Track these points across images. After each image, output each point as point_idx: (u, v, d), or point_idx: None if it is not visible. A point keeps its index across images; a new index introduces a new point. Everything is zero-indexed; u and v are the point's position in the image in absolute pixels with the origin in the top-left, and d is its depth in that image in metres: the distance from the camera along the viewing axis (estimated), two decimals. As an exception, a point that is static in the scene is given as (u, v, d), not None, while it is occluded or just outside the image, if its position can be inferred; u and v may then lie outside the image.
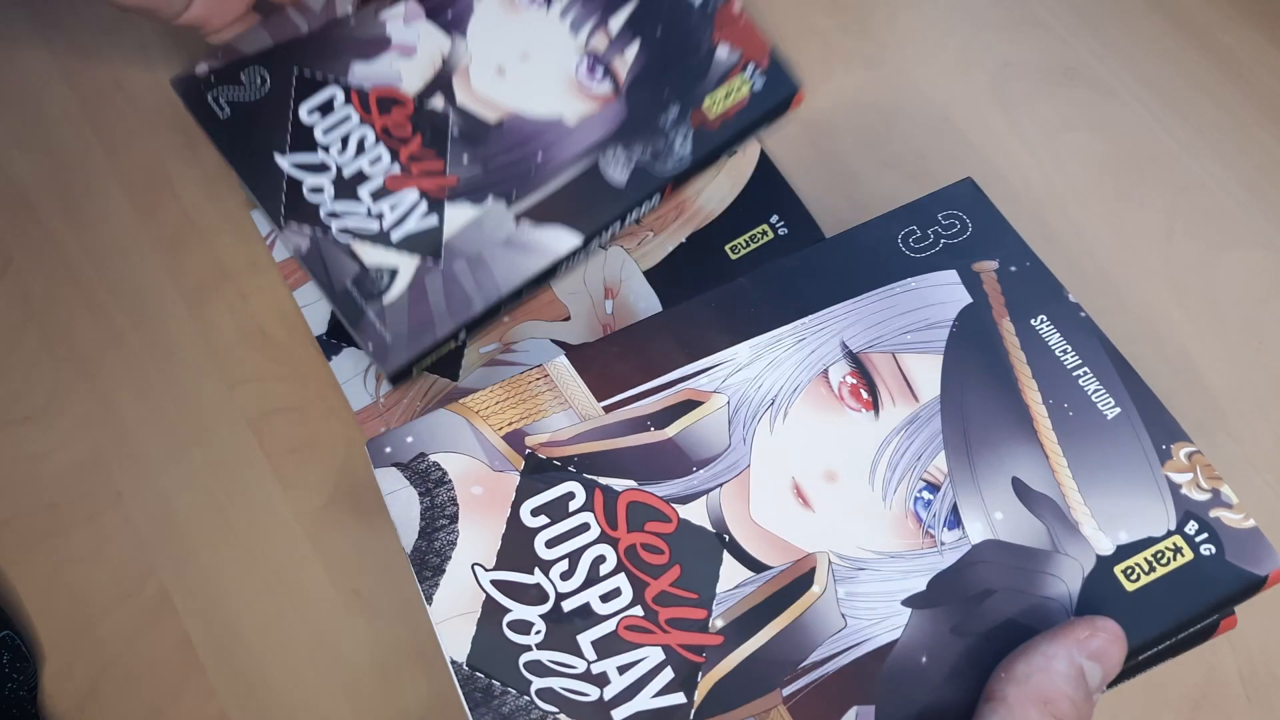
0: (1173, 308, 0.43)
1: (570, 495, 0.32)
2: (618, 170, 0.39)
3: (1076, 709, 0.27)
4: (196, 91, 0.41)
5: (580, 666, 0.30)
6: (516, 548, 0.32)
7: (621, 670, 0.30)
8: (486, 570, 0.31)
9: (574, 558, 0.31)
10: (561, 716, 0.30)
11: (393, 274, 0.38)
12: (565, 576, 0.31)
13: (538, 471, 0.32)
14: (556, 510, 0.32)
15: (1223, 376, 0.41)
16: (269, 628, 0.39)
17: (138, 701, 0.38)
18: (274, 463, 0.41)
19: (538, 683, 0.30)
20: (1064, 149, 0.45)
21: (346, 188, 0.39)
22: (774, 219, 0.41)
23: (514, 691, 0.30)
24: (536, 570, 0.31)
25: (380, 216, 0.38)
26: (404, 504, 0.32)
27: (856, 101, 0.47)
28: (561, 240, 0.39)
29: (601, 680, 0.30)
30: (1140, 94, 0.46)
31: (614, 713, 0.29)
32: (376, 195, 0.39)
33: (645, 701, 0.30)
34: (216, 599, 0.39)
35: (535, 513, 0.32)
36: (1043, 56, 0.48)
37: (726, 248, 0.40)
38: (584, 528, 0.32)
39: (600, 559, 0.31)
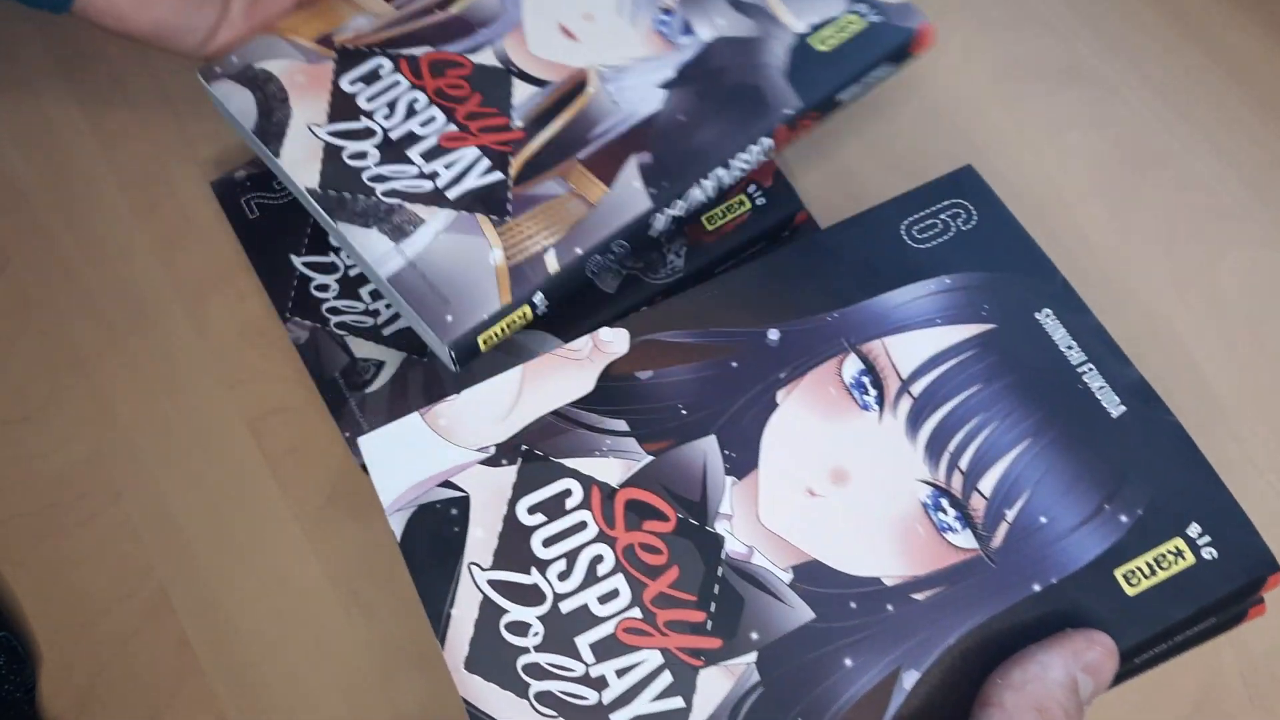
0: (1175, 306, 0.42)
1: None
2: (609, 280, 0.40)
3: (1069, 717, 0.27)
4: (232, 194, 0.44)
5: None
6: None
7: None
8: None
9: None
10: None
11: (379, 366, 0.40)
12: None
13: (352, 60, 0.40)
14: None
15: (1225, 376, 0.41)
16: (267, 628, 0.39)
17: (136, 702, 0.38)
18: (272, 463, 0.41)
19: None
20: (1066, 147, 0.45)
21: (350, 286, 0.41)
22: (751, 189, 0.41)
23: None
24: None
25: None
26: (240, 101, 0.39)
27: (857, 100, 0.47)
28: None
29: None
30: (1142, 92, 0.46)
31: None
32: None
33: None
34: (215, 599, 0.39)
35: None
36: (1044, 55, 0.47)
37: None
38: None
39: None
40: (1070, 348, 0.32)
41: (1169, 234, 0.44)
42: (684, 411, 0.32)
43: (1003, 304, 0.33)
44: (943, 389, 0.31)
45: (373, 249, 0.35)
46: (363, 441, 0.32)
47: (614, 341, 0.33)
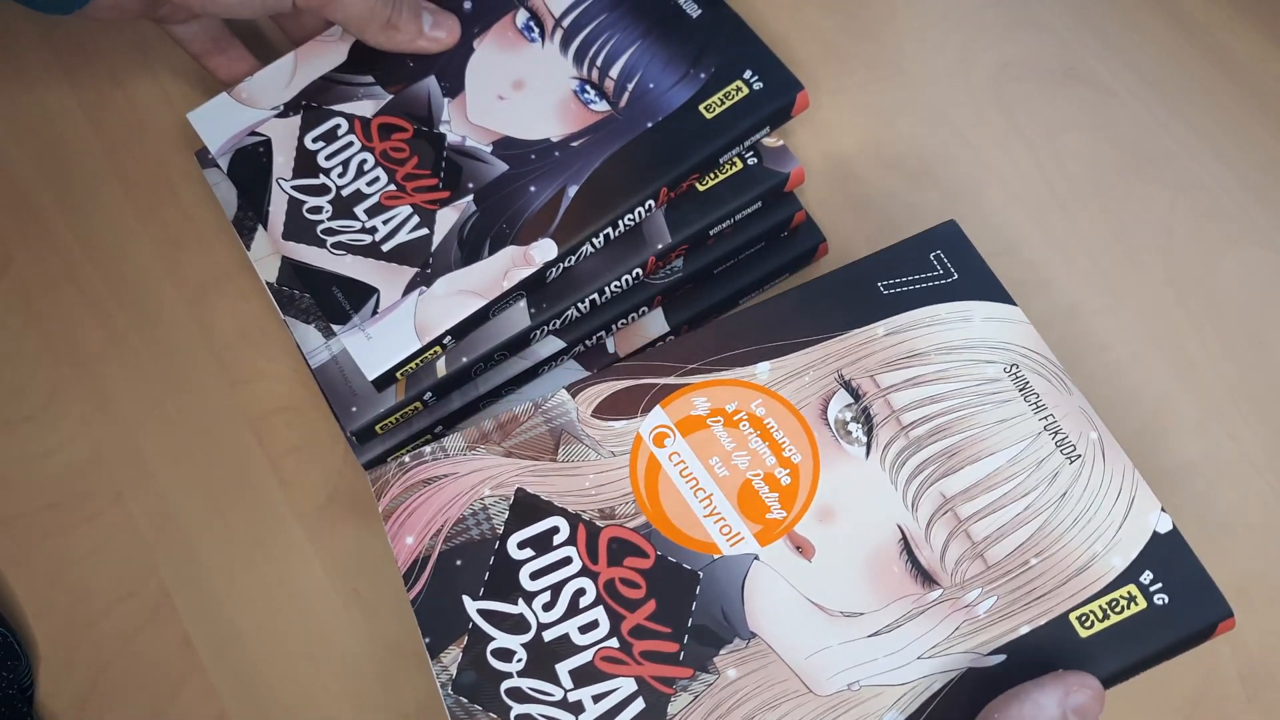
0: (1173, 307, 0.43)
1: (555, 530, 0.34)
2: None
3: None
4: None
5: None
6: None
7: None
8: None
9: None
10: None
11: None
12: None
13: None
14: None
15: (1223, 376, 0.41)
16: (269, 627, 0.39)
17: (137, 701, 0.38)
18: (274, 462, 0.41)
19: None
20: (1064, 149, 0.45)
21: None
22: (747, 74, 0.41)
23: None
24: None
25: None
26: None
27: (856, 101, 0.47)
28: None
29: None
30: (1140, 94, 0.46)
31: None
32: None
33: None
34: (216, 598, 0.39)
35: (521, 545, 0.34)
36: (1043, 56, 0.48)
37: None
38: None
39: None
40: None
41: (1167, 235, 0.44)
42: (411, 64, 0.43)
43: None
44: (583, 18, 0.43)
45: (308, 342, 0.40)
46: (191, 117, 0.42)
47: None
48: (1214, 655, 0.37)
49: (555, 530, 0.34)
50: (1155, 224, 0.44)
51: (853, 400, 0.35)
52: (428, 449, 0.36)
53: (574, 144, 0.40)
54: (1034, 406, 0.35)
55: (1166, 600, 0.32)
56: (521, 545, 0.34)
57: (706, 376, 0.36)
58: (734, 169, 0.41)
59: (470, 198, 0.40)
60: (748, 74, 0.41)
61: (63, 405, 0.42)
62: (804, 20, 0.49)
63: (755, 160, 0.41)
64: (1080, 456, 0.34)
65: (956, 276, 0.37)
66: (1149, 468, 0.39)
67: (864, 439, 0.35)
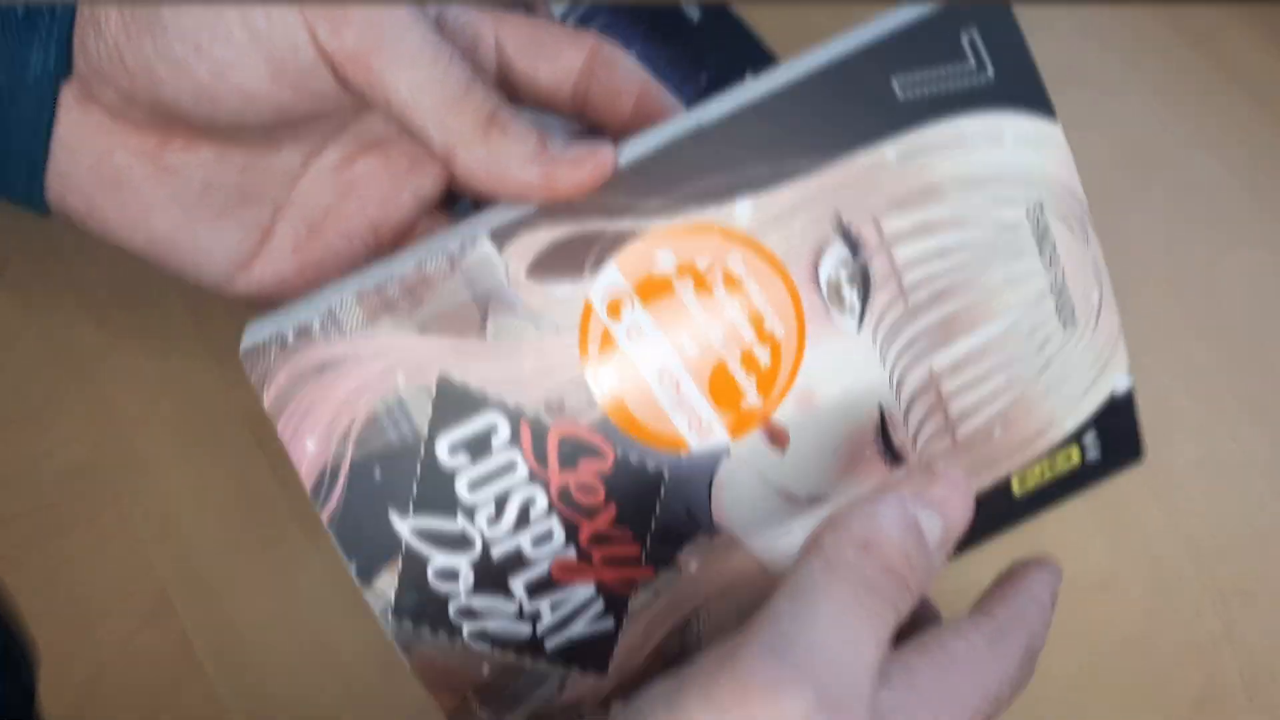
0: (1174, 308, 0.43)
1: (492, 429, 0.28)
2: None
3: (909, 560, 0.24)
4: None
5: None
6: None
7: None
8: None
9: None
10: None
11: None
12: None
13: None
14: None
15: (1224, 377, 0.41)
16: (269, 628, 0.39)
17: (136, 702, 0.38)
18: (274, 463, 0.41)
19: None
20: (1064, 149, 0.45)
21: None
22: (748, 77, 0.41)
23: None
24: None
25: None
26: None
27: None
28: None
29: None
30: (1141, 93, 0.46)
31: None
32: None
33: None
34: (216, 600, 0.39)
35: (454, 451, 0.28)
36: (1043, 55, 0.47)
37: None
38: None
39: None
40: None
41: (1168, 235, 0.44)
42: None
43: None
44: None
45: None
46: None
47: None
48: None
49: (493, 430, 0.28)
50: (1156, 224, 0.44)
51: (850, 255, 0.28)
52: (316, 323, 0.27)
53: None
54: (1048, 261, 0.29)
55: (1097, 456, 0.30)
56: (454, 450, 0.28)
57: (670, 221, 0.27)
58: None
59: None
60: (748, 77, 0.41)
61: (61, 406, 0.42)
62: (804, 23, 0.49)
63: None
64: (1075, 323, 0.30)
65: (992, 74, 0.28)
66: (1151, 467, 0.39)
67: (858, 306, 0.28)
